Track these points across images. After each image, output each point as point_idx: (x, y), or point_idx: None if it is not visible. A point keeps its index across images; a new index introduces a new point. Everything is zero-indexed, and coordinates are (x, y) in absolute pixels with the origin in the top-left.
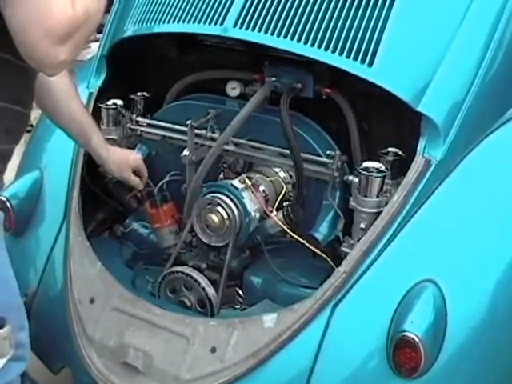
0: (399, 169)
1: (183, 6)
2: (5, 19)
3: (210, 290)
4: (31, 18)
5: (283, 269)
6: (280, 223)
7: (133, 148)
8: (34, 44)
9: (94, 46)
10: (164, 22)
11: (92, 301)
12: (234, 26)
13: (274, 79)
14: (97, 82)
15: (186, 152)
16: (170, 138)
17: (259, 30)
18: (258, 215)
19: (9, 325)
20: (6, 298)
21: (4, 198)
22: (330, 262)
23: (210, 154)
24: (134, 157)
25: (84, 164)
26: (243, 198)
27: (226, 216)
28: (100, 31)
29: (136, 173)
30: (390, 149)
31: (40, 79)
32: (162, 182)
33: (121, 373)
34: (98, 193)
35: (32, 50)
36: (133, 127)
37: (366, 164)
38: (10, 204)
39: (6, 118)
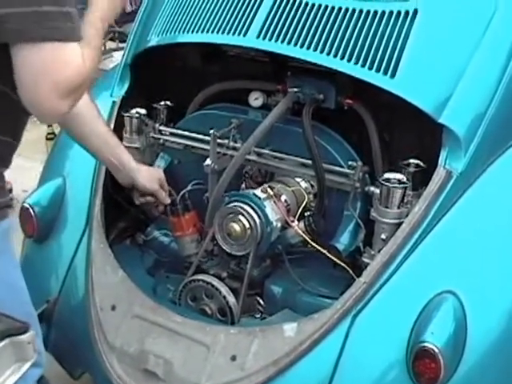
0: (420, 180)
1: (207, 17)
2: (14, 65)
3: (231, 299)
4: (45, 67)
5: (304, 278)
6: (301, 233)
7: (155, 157)
8: (42, 95)
9: (117, 54)
10: (188, 32)
11: (113, 308)
12: (258, 36)
13: (296, 90)
14: (120, 91)
15: (208, 161)
16: (193, 147)
17: (282, 41)
18: (279, 225)
19: (32, 330)
20: (23, 306)
21: (27, 205)
22: (351, 272)
23: (233, 163)
24: (159, 171)
25: (107, 172)
26: (265, 207)
27: (247, 225)
28: (123, 40)
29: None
30: (412, 160)
31: None
32: (184, 191)
33: (141, 379)
34: (120, 201)
35: (39, 102)
36: (156, 136)
37: (388, 175)
38: (33, 211)
39: None
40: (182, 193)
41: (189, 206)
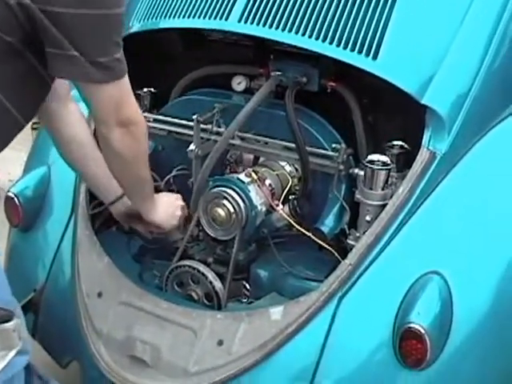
0: (404, 162)
1: (188, 2)
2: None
3: (217, 284)
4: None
5: (289, 262)
6: (286, 216)
7: None
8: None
9: None
10: (169, 18)
11: (100, 295)
12: (239, 20)
13: (279, 73)
14: None
15: (192, 146)
16: (176, 132)
17: (264, 25)
18: (264, 209)
19: (17, 318)
20: (5, 294)
21: (12, 194)
22: (336, 254)
23: (216, 148)
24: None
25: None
26: (249, 191)
27: (232, 210)
28: None
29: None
30: (396, 142)
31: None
32: (168, 177)
33: (129, 366)
34: None
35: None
36: None
37: (372, 157)
38: (18, 200)
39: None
40: (165, 179)
41: (173, 192)
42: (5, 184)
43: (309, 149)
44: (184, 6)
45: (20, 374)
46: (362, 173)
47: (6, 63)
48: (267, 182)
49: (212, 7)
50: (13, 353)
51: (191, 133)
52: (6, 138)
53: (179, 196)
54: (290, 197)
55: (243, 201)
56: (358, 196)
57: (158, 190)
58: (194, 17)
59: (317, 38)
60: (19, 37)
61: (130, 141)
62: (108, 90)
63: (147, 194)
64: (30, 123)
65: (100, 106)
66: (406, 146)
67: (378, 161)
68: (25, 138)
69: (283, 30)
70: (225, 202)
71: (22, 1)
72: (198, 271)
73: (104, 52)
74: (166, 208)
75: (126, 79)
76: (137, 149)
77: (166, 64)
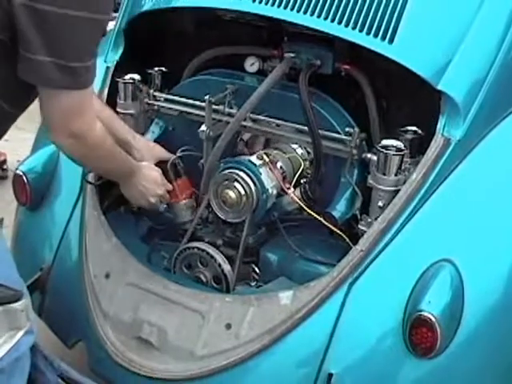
0: (418, 147)
1: None
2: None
3: (226, 266)
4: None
5: (300, 246)
6: (297, 200)
7: (150, 123)
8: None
9: (111, 24)
10: None
11: (107, 275)
12: (254, 0)
13: (292, 55)
14: (114, 56)
15: (203, 127)
16: (188, 113)
17: (279, 6)
18: (275, 192)
19: (25, 298)
20: (11, 273)
21: (20, 173)
22: (347, 240)
23: (228, 129)
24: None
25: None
26: (261, 174)
27: (243, 192)
28: (116, 10)
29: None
30: (409, 127)
31: None
32: (174, 157)
33: (135, 348)
34: None
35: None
36: (150, 102)
37: (385, 142)
38: (26, 178)
39: None
40: (172, 159)
41: (180, 172)
42: (13, 164)
43: (321, 132)
44: None
45: (26, 353)
46: (375, 158)
47: None
48: (279, 164)
49: None
50: (21, 333)
51: (203, 113)
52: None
53: (161, 180)
54: (302, 180)
55: (254, 183)
56: (370, 181)
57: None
58: None
59: (332, 21)
60: (9, 35)
61: (85, 151)
62: (68, 98)
63: (120, 178)
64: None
65: (55, 113)
66: (419, 131)
67: (392, 146)
68: (35, 119)
69: (298, 11)
70: (236, 184)
71: None
72: (207, 253)
73: (78, 57)
74: (140, 192)
75: (90, 91)
76: (94, 155)
77: (179, 43)
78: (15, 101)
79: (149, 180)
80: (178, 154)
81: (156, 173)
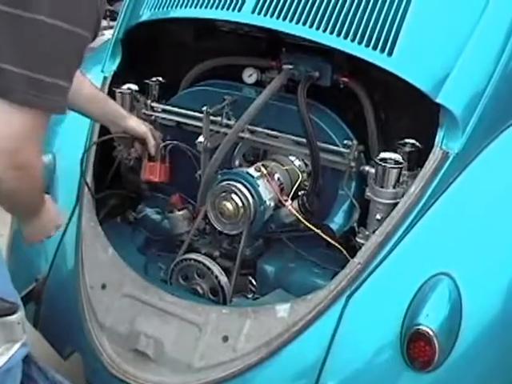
0: (416, 160)
1: None
2: None
3: (223, 278)
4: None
5: (297, 258)
6: (295, 212)
7: None
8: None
9: (108, 33)
10: (181, 7)
11: (104, 287)
12: (252, 12)
13: (291, 67)
14: (112, 66)
15: (201, 139)
16: (185, 124)
17: (277, 17)
18: (272, 204)
19: (21, 310)
20: (5, 285)
21: None
22: (345, 252)
23: (226, 141)
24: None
25: (97, 149)
26: (258, 186)
27: (240, 204)
28: (114, 19)
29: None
30: (408, 140)
31: None
32: (163, 144)
33: (131, 360)
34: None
35: None
36: (147, 112)
37: (383, 155)
38: None
39: None
40: (161, 145)
41: (165, 159)
42: None
43: (320, 144)
44: None
45: (18, 365)
46: (373, 170)
47: None
48: (276, 176)
49: None
50: (17, 346)
51: (200, 124)
52: None
53: (59, 216)
54: (300, 193)
55: (252, 195)
56: (368, 194)
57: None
58: (206, 7)
59: (331, 32)
60: None
61: (24, 184)
62: (22, 118)
63: (39, 206)
64: None
65: (3, 135)
66: (417, 144)
67: (390, 159)
68: None
69: (297, 22)
70: (233, 196)
71: None
72: (204, 265)
73: (48, 69)
74: (43, 225)
75: (48, 120)
76: (30, 189)
77: (177, 54)
78: None
79: (51, 212)
80: (169, 142)
81: (54, 203)
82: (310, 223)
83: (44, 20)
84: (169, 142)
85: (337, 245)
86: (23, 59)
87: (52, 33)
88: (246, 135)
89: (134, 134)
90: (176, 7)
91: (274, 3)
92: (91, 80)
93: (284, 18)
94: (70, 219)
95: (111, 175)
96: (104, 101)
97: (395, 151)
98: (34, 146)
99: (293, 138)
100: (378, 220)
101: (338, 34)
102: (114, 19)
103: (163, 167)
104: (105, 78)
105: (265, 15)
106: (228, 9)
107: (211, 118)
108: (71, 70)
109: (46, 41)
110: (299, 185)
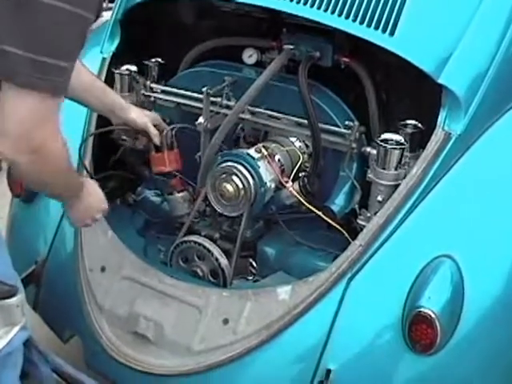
0: (418, 142)
1: None
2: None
3: (223, 261)
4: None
5: (298, 240)
6: (296, 194)
7: None
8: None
9: (106, 14)
10: None
11: (103, 269)
12: None
13: (291, 47)
14: (110, 47)
15: (201, 119)
16: (185, 105)
17: None
18: (273, 185)
19: (20, 293)
20: (6, 267)
21: None
22: (346, 234)
23: (226, 122)
24: (154, 114)
25: (95, 134)
26: (259, 167)
27: (241, 186)
28: (112, 0)
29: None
30: (409, 121)
31: None
32: (168, 128)
33: (131, 342)
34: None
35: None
36: (147, 93)
37: (385, 136)
38: None
39: None
40: (166, 131)
41: (173, 144)
42: None
43: (321, 125)
44: None
45: (19, 348)
46: (374, 152)
47: None
48: (277, 158)
49: None
50: (16, 329)
51: (200, 105)
52: None
53: (103, 207)
54: (300, 174)
55: (252, 177)
56: (369, 175)
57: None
58: None
59: (332, 12)
60: None
61: (43, 167)
62: (30, 102)
63: (74, 191)
64: None
65: (16, 119)
66: (419, 125)
67: (392, 140)
68: None
69: (298, 2)
70: (234, 177)
71: None
72: (204, 247)
73: (51, 51)
74: (81, 214)
75: (58, 103)
76: (52, 170)
77: (176, 34)
78: None
79: (94, 195)
80: (173, 126)
81: (98, 188)
82: (311, 205)
83: (46, 2)
84: (173, 126)
85: (338, 227)
86: (27, 42)
87: (54, 14)
88: (247, 116)
89: (135, 126)
90: None
91: None
92: (89, 67)
93: None
94: None
95: (112, 161)
96: (102, 90)
97: (397, 132)
98: (47, 129)
99: (294, 119)
100: (379, 202)
101: (340, 14)
102: (112, 0)
103: (172, 154)
104: (103, 59)
105: None
106: None
107: (211, 98)
108: (74, 52)
109: (48, 23)
110: (300, 166)
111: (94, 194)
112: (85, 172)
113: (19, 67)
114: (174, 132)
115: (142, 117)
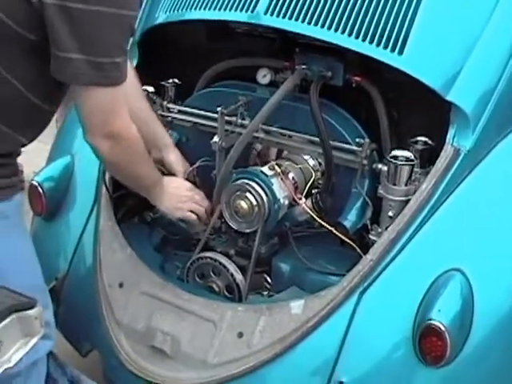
0: (428, 158)
1: None
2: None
3: (238, 276)
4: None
5: (311, 256)
6: (309, 210)
7: None
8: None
9: None
10: (195, 9)
11: (121, 285)
12: (265, 13)
13: (304, 67)
14: None
15: (216, 138)
16: (201, 124)
17: (290, 18)
18: (286, 202)
19: (39, 305)
20: (34, 279)
21: (36, 183)
22: (358, 249)
23: (240, 140)
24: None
25: None
26: (272, 184)
27: (255, 202)
28: None
29: None
30: (420, 137)
31: None
32: (191, 168)
33: (149, 356)
34: None
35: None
36: (164, 114)
37: (395, 152)
38: (42, 188)
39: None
40: (189, 170)
41: (196, 184)
42: (29, 175)
43: (333, 143)
44: None
45: (43, 359)
46: (385, 168)
47: (30, 61)
48: (290, 175)
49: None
50: (35, 340)
51: (215, 125)
52: (27, 119)
53: (191, 187)
54: (313, 191)
55: (266, 194)
56: (380, 191)
57: None
58: (219, 9)
59: (342, 32)
60: (42, 34)
61: (121, 152)
62: (99, 97)
63: (150, 186)
64: (56, 116)
65: (89, 113)
66: (429, 141)
67: (402, 156)
68: (51, 132)
69: (309, 23)
70: (248, 194)
71: None
72: (220, 263)
73: (106, 52)
74: (171, 198)
75: (122, 90)
76: (129, 158)
77: (192, 55)
78: (48, 98)
79: (175, 181)
80: (197, 165)
81: (180, 179)
82: (324, 221)
83: (94, 9)
84: (191, 168)
85: (350, 242)
86: (85, 47)
87: (103, 19)
88: (261, 135)
89: (169, 169)
90: (191, 9)
91: (286, 4)
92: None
93: (296, 19)
94: (88, 219)
95: None
96: (145, 122)
97: (407, 149)
98: (119, 117)
99: (306, 137)
100: (390, 217)
101: (350, 34)
102: None
103: None
104: None
105: (277, 16)
106: (241, 10)
107: (226, 118)
108: (124, 46)
109: (99, 27)
110: (313, 183)
111: (174, 181)
112: (104, 189)
113: (83, 70)
114: (194, 173)
115: (179, 164)
